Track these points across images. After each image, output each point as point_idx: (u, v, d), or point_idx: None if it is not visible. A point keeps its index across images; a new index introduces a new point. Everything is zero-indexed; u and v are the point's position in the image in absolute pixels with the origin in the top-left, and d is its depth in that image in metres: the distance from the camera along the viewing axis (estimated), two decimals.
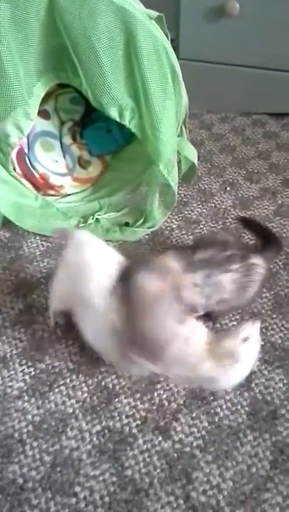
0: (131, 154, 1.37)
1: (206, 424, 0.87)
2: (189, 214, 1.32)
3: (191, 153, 1.18)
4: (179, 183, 1.15)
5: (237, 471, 0.82)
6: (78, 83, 1.01)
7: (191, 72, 1.20)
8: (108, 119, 1.06)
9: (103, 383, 0.92)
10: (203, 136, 1.61)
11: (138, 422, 0.87)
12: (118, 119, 1.04)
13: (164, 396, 0.91)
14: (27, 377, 0.93)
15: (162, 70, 1.00)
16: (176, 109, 1.08)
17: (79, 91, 1.05)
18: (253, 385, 0.93)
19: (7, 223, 1.20)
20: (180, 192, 1.32)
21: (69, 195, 1.32)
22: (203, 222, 1.29)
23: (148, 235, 1.24)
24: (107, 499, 0.77)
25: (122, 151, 1.40)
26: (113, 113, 1.03)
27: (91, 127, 1.37)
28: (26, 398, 0.90)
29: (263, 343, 1.00)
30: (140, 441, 0.84)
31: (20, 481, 0.79)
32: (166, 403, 0.90)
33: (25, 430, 0.85)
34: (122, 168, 1.37)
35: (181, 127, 1.17)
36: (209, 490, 0.79)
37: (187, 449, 0.84)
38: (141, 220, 1.21)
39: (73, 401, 0.90)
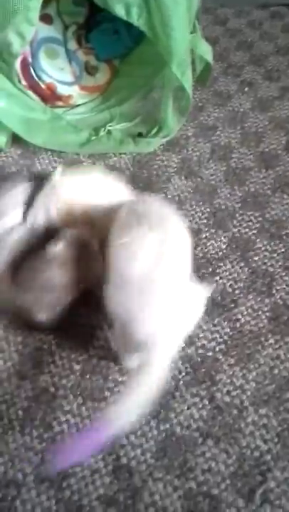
0: (140, 57, 1.28)
1: (228, 330, 0.89)
2: (205, 120, 1.26)
3: (206, 51, 1.10)
4: (193, 85, 1.08)
5: (259, 373, 0.84)
6: None
7: None
8: (114, 19, 0.97)
9: None
10: (217, 32, 1.49)
11: None
12: (125, 17, 0.96)
13: None
14: None
15: None
16: (188, 2, 0.99)
17: None
18: (273, 291, 0.94)
19: (16, 140, 1.16)
20: (194, 96, 1.24)
21: (78, 106, 1.26)
22: (220, 128, 1.24)
23: (162, 145, 1.19)
24: None
25: (131, 54, 1.30)
26: (119, 10, 0.95)
27: (97, 30, 1.28)
28: None
29: (283, 250, 1.00)
30: None
31: (52, 389, 0.83)
32: None
33: (53, 342, 0.88)
34: (131, 73, 1.28)
35: (194, 23, 1.07)
36: (233, 391, 0.83)
37: (210, 354, 0.86)
38: (155, 129, 1.15)
39: (98, 314, 0.91)
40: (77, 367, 0.85)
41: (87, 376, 0.84)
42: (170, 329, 0.72)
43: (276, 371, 0.84)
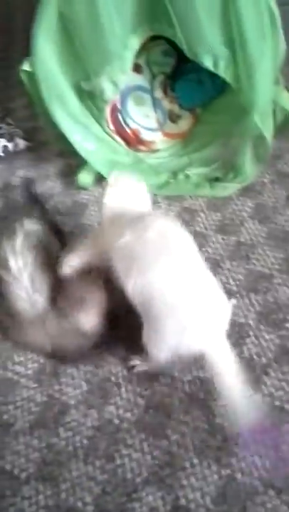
0: (221, 105, 1.32)
1: None
2: (282, 168, 1.27)
3: (287, 102, 1.12)
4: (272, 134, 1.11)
5: None
6: (172, 34, 0.98)
7: (287, 16, 1.12)
8: (199, 69, 1.03)
9: None
10: None
11: None
12: (212, 69, 1.01)
13: (254, 351, 0.91)
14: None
15: (260, 15, 0.95)
16: (274, 55, 1.03)
17: (170, 42, 1.03)
18: None
19: (100, 179, 1.23)
20: (272, 144, 1.27)
21: (159, 150, 1.32)
22: None
23: (239, 190, 1.22)
24: (197, 444, 0.81)
25: (212, 102, 1.36)
26: (208, 62, 1.00)
27: (182, 79, 1.34)
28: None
29: None
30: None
31: (116, 421, 0.85)
32: (256, 357, 0.90)
33: (120, 374, 0.90)
34: (212, 121, 1.33)
35: (277, 74, 1.11)
36: None
37: (277, 403, 0.84)
38: (232, 175, 1.18)
39: None
40: (141, 401, 0.87)
41: (151, 412, 0.85)
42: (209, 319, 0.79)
43: None
